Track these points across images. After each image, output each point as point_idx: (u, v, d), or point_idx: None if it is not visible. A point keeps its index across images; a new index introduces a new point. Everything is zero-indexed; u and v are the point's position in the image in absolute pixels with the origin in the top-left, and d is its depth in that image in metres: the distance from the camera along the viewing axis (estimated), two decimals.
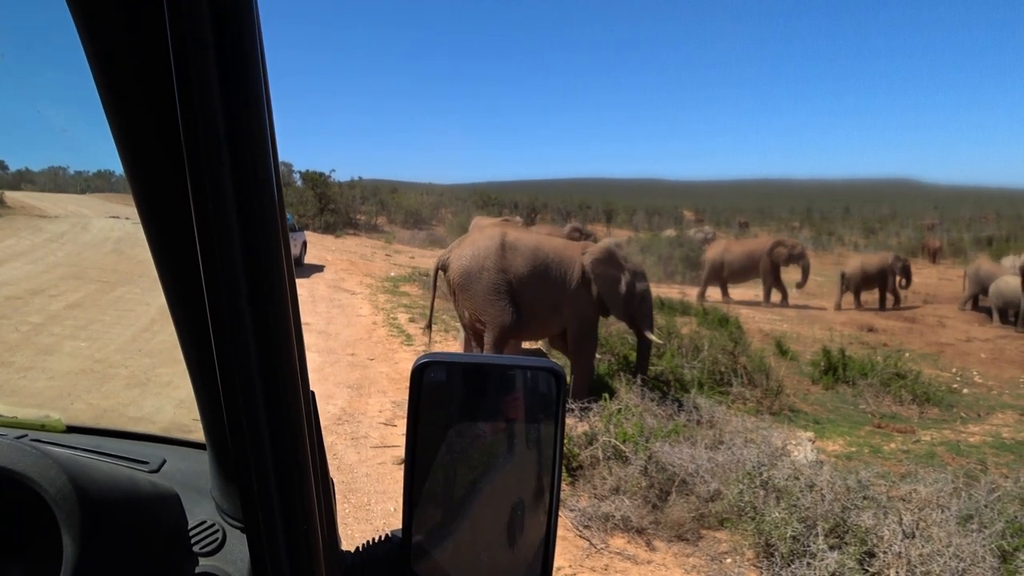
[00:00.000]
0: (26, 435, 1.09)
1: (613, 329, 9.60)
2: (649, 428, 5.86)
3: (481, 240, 7.50)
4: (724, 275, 20.07)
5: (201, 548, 0.85)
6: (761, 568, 4.46)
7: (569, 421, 6.36)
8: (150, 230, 0.67)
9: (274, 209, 0.58)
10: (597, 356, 8.33)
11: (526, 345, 8.56)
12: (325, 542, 0.76)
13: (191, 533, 0.86)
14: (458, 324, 9.04)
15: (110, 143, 0.63)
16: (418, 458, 0.84)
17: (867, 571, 3.97)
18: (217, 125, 0.53)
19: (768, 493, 4.79)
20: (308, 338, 9.45)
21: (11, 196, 18.86)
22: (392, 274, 17.57)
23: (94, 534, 0.67)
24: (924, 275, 22.19)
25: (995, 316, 17.68)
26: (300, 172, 35.25)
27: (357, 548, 0.96)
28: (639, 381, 7.14)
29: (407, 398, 0.84)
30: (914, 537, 4.03)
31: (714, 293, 19.79)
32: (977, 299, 19.29)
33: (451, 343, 9.94)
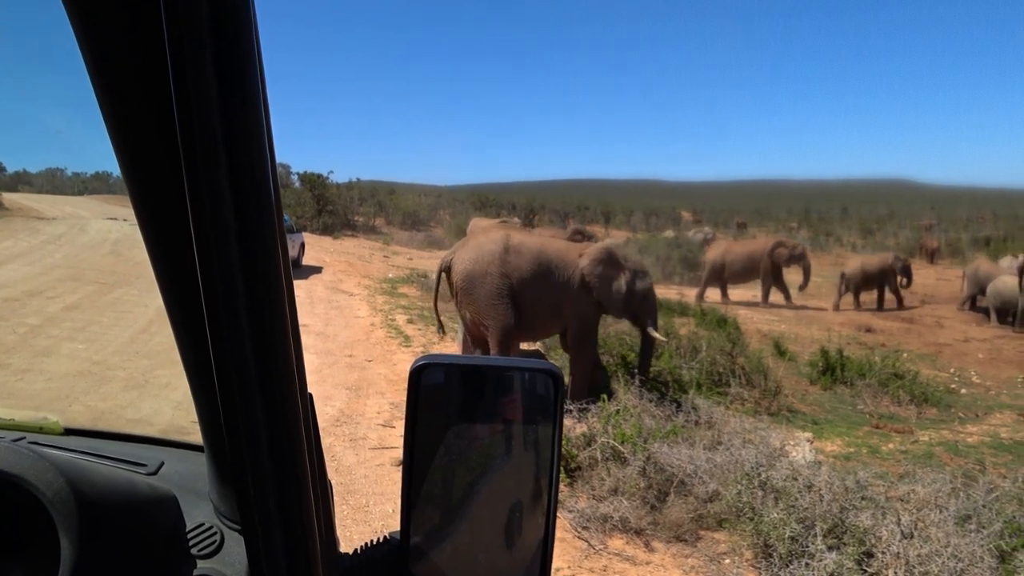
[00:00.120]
0: (23, 437, 1.09)
1: (612, 330, 9.60)
2: (647, 429, 5.86)
3: (485, 243, 7.50)
4: (725, 276, 20.08)
5: (199, 551, 0.85)
6: (759, 568, 4.46)
7: (567, 422, 6.36)
8: (147, 231, 0.67)
9: (271, 210, 0.58)
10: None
11: (524, 346, 8.57)
12: (323, 544, 0.76)
13: (189, 535, 0.86)
14: (455, 325, 9.04)
15: (108, 145, 0.63)
16: (416, 460, 0.84)
17: (865, 571, 3.97)
18: (214, 126, 0.53)
19: (766, 494, 4.79)
20: (306, 339, 9.45)
21: (8, 198, 18.81)
22: (390, 275, 17.56)
23: (92, 537, 0.67)
24: (922, 275, 22.20)
25: (993, 316, 17.69)
26: (298, 173, 35.26)
27: (355, 550, 0.96)
28: (637, 382, 7.14)
29: (405, 400, 0.84)
30: (912, 537, 4.04)
31: (712, 294, 19.80)
32: (975, 299, 19.31)
33: (449, 345, 9.94)
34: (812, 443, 6.83)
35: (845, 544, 4.15)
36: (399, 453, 5.60)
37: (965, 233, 43.43)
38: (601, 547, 4.71)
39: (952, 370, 12.40)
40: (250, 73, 0.55)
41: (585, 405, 6.56)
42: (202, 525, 0.88)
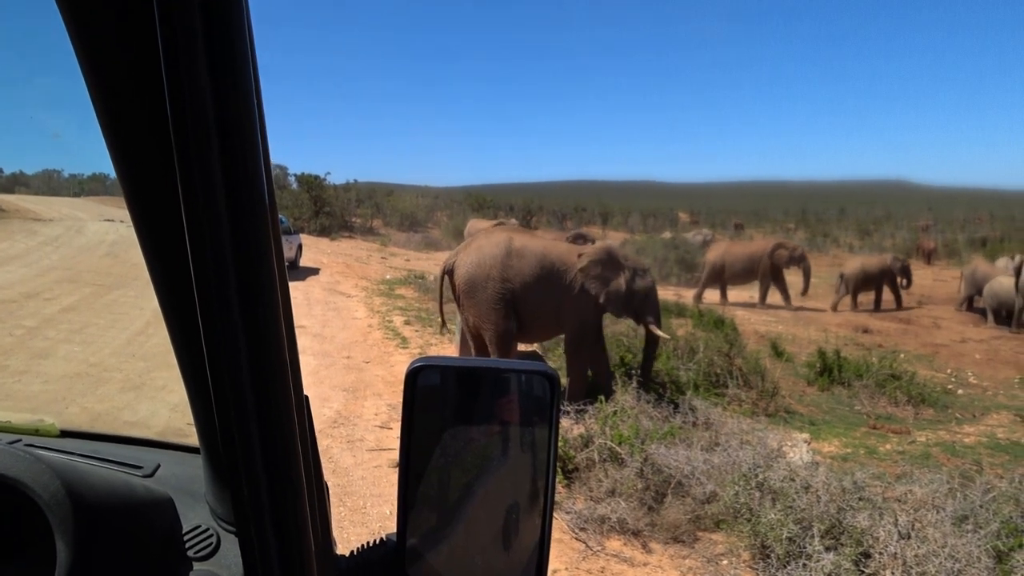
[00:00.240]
0: (20, 440, 1.09)
1: (609, 331, 9.60)
2: (645, 430, 5.87)
3: (487, 246, 7.49)
4: (725, 277, 20.12)
5: (195, 553, 0.85)
6: (757, 569, 4.46)
7: (565, 423, 6.36)
8: (141, 229, 0.67)
9: (264, 207, 0.58)
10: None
11: (521, 346, 8.57)
12: (318, 546, 0.76)
13: (185, 538, 0.86)
14: (453, 327, 9.03)
15: (104, 146, 0.63)
16: (412, 462, 0.84)
17: (863, 572, 3.98)
18: (207, 121, 0.53)
19: (764, 495, 4.80)
20: (303, 341, 9.43)
21: (5, 199, 18.79)
22: (388, 277, 17.56)
23: (88, 539, 0.66)
24: (919, 276, 22.23)
25: (990, 317, 17.73)
26: (295, 175, 35.30)
27: (352, 552, 0.96)
28: (635, 383, 7.14)
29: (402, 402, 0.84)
30: (910, 538, 4.04)
31: (710, 295, 19.82)
32: (972, 300, 19.36)
33: (448, 346, 9.94)
34: (809, 444, 6.84)
35: (842, 545, 4.15)
36: (397, 455, 5.57)
37: (962, 234, 43.50)
38: (599, 548, 4.71)
39: (949, 371, 12.43)
40: (243, 69, 0.55)
41: (582, 406, 6.56)
42: (198, 527, 0.88)
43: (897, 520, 4.16)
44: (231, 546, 0.86)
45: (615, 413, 6.07)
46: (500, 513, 0.90)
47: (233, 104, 0.54)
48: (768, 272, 19.51)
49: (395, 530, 0.87)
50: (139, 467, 1.03)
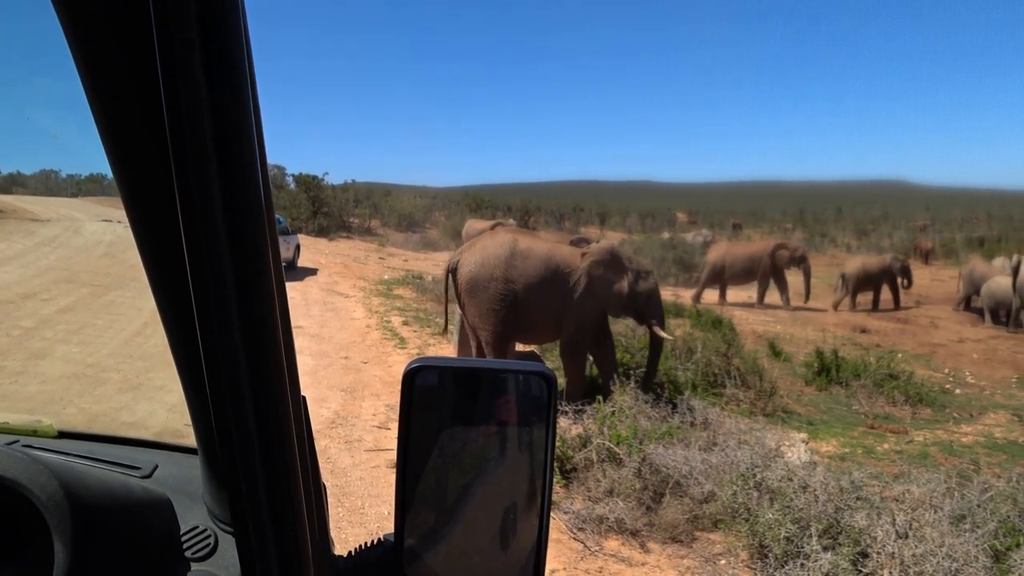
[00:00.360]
0: (17, 441, 1.09)
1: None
2: (643, 430, 5.87)
3: (492, 246, 7.49)
4: (725, 277, 20.16)
5: (193, 553, 0.85)
6: (755, 569, 4.47)
7: (563, 423, 6.36)
8: (138, 231, 0.67)
9: (261, 208, 0.58)
10: (588, 359, 8.31)
11: (519, 347, 8.57)
12: (316, 547, 0.76)
13: (183, 538, 0.86)
14: (451, 326, 9.03)
15: (101, 146, 0.63)
16: (410, 462, 0.85)
17: (861, 572, 3.99)
18: (204, 124, 0.53)
19: (762, 494, 4.80)
20: (301, 341, 9.43)
21: (2, 200, 18.73)
22: (386, 277, 17.55)
23: (86, 540, 0.66)
24: (917, 276, 22.23)
25: (987, 317, 17.77)
26: (293, 175, 35.27)
27: (350, 552, 0.96)
28: (633, 383, 7.14)
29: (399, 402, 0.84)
30: (907, 537, 4.05)
31: (709, 295, 19.85)
32: (970, 300, 19.40)
33: (445, 347, 9.93)
34: (807, 444, 6.85)
35: (840, 544, 4.16)
36: (395, 455, 5.57)
37: (959, 234, 43.52)
38: (597, 548, 4.72)
39: (947, 370, 12.45)
40: (239, 71, 0.55)
41: (581, 406, 6.56)
42: (196, 528, 0.88)
43: (895, 519, 4.17)
44: (229, 547, 0.86)
45: (613, 413, 6.07)
46: (498, 513, 0.90)
47: (232, 111, 0.55)
48: (768, 272, 19.54)
49: (393, 530, 0.87)
50: (137, 468, 1.03)
